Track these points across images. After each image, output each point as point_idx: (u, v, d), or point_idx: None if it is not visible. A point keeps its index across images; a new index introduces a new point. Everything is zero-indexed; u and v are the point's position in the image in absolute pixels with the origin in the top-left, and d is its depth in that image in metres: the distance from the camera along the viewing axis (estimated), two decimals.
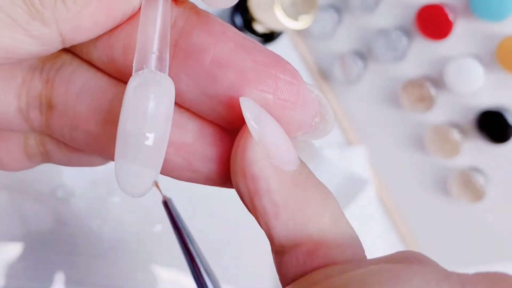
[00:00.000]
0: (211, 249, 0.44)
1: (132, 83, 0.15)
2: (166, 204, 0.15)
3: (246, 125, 0.16)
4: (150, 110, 0.15)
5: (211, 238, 0.45)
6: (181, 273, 0.42)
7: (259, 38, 0.46)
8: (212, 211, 0.45)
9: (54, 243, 0.38)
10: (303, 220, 0.16)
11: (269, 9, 0.42)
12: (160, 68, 0.15)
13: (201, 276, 0.15)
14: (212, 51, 0.16)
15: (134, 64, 0.15)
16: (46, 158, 0.20)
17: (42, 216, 0.38)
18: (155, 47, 0.15)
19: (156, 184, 0.16)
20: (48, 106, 0.18)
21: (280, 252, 0.16)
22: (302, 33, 0.52)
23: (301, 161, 0.17)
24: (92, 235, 0.39)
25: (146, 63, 0.15)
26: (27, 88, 0.18)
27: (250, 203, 0.16)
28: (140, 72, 0.15)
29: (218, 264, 0.44)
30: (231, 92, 0.16)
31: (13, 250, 0.37)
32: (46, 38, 0.15)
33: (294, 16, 0.42)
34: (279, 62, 0.16)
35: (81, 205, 0.39)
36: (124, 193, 0.16)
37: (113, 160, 0.17)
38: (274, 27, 0.44)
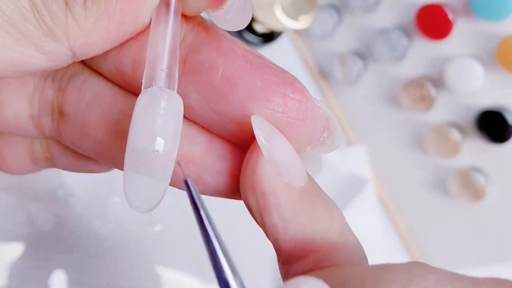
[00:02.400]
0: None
1: (141, 100, 0.15)
2: (187, 184, 0.16)
3: (257, 142, 0.16)
4: (159, 127, 0.15)
5: None
6: (181, 273, 0.42)
7: (259, 38, 0.46)
8: (213, 212, 0.45)
9: (54, 243, 0.38)
10: (311, 233, 0.16)
11: (269, 9, 0.42)
12: (169, 85, 0.16)
13: (217, 257, 0.15)
14: (221, 69, 0.16)
15: (143, 81, 0.16)
16: (51, 163, 0.20)
17: (42, 216, 0.38)
18: (164, 64, 0.16)
19: (178, 163, 0.16)
20: (59, 113, 0.18)
21: (287, 262, 0.17)
22: (302, 33, 0.52)
23: (309, 176, 0.17)
24: (92, 235, 0.39)
25: (155, 80, 0.16)
26: (39, 95, 0.18)
27: (260, 218, 0.16)
28: (149, 89, 0.15)
29: None
30: (240, 110, 0.16)
31: (13, 250, 0.37)
32: (57, 54, 0.15)
33: (294, 16, 0.42)
34: (288, 79, 0.16)
35: (81, 205, 0.39)
36: (132, 209, 0.16)
37: (120, 169, 0.17)
38: (274, 27, 0.44)
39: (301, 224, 0.16)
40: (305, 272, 0.16)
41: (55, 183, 0.39)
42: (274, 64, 0.17)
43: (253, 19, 0.45)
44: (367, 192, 0.51)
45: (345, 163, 0.52)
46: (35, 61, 0.15)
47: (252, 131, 0.16)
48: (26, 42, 0.14)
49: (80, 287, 0.38)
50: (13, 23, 0.14)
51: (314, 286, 0.13)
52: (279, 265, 0.17)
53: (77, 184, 0.39)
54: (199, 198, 0.16)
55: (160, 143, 0.15)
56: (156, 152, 0.15)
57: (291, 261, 0.16)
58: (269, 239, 0.17)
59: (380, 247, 0.52)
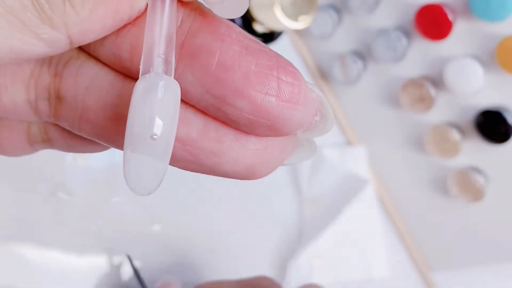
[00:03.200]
0: (211, 248, 0.44)
1: (139, 86, 0.16)
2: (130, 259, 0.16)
3: None
4: (157, 113, 0.16)
5: (211, 238, 0.45)
6: (181, 273, 0.42)
7: (259, 38, 0.46)
8: (213, 212, 0.45)
9: (54, 243, 0.38)
10: None
11: (269, 9, 0.42)
12: (166, 70, 0.16)
13: None
14: (218, 54, 0.16)
15: (141, 67, 0.16)
16: (49, 145, 0.21)
17: (42, 216, 0.38)
18: (161, 50, 0.16)
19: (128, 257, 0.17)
20: (56, 98, 0.18)
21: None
22: (302, 33, 0.52)
23: None
24: (92, 235, 0.39)
25: (152, 66, 0.16)
26: (36, 80, 0.18)
27: None
28: (146, 75, 0.16)
29: (218, 262, 0.45)
30: (236, 94, 0.16)
31: (13, 250, 0.37)
32: (55, 41, 0.15)
33: (294, 16, 0.42)
34: (282, 63, 0.17)
35: (81, 205, 0.39)
36: (132, 191, 0.16)
37: (120, 149, 0.17)
38: (274, 27, 0.44)
39: None
40: None
41: (55, 183, 0.39)
42: (269, 49, 0.17)
43: (253, 19, 0.45)
44: (367, 192, 0.51)
45: (345, 163, 0.52)
46: (34, 48, 0.15)
47: (249, 114, 0.17)
48: (25, 30, 0.15)
49: (80, 287, 0.38)
50: (13, 12, 0.14)
51: None
52: None
53: (77, 184, 0.39)
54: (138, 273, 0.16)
55: (158, 128, 0.16)
56: (154, 137, 0.16)
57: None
58: None
59: (379, 247, 0.52)
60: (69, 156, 0.40)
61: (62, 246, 0.38)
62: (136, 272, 0.15)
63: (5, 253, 0.36)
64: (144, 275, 0.40)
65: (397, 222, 0.53)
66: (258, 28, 0.46)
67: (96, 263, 0.39)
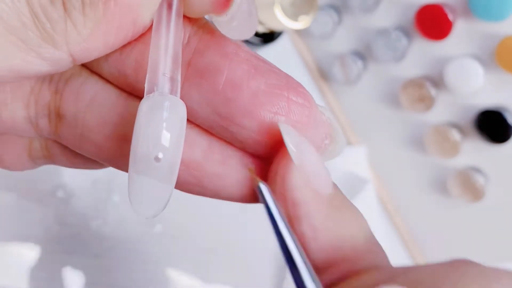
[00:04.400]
0: (211, 249, 0.44)
1: (143, 106, 0.15)
2: (260, 191, 0.16)
3: (285, 150, 0.16)
4: (162, 134, 0.15)
5: (211, 238, 0.45)
6: (181, 273, 0.42)
7: (259, 38, 0.46)
8: (213, 211, 0.45)
9: (54, 243, 0.38)
10: (339, 241, 0.16)
11: (269, 9, 0.42)
12: (171, 90, 0.15)
13: (298, 270, 0.14)
14: (225, 72, 0.16)
15: (145, 86, 0.16)
16: (50, 160, 0.20)
17: (42, 216, 0.38)
18: (166, 68, 0.16)
19: (250, 170, 0.16)
20: (57, 116, 0.18)
21: (317, 272, 0.16)
22: (302, 33, 0.52)
23: (334, 184, 0.17)
24: (92, 235, 0.39)
25: (157, 85, 0.15)
26: (36, 97, 0.18)
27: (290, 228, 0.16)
28: (151, 95, 0.15)
29: (218, 264, 0.44)
30: (244, 114, 0.16)
31: (13, 250, 0.37)
32: (57, 60, 0.15)
33: (294, 16, 0.42)
34: (292, 84, 0.16)
35: (81, 205, 0.39)
36: (137, 215, 0.16)
37: (121, 169, 0.17)
38: (274, 27, 0.44)
39: (330, 232, 0.16)
40: (335, 280, 0.16)
41: (55, 183, 0.39)
42: (278, 69, 0.17)
43: None
44: (367, 192, 0.51)
45: (345, 163, 0.52)
46: (35, 67, 0.15)
47: (257, 135, 0.16)
48: (27, 49, 0.14)
49: (80, 287, 0.38)
50: (14, 31, 0.14)
51: None
52: None
53: (77, 184, 0.39)
54: (276, 206, 0.15)
55: (162, 150, 0.15)
56: (159, 159, 0.15)
57: (320, 271, 0.16)
58: None
59: None
60: None
61: (62, 246, 0.38)
62: None
63: (5, 253, 0.36)
64: (144, 275, 0.40)
65: (397, 222, 0.53)
66: (258, 28, 0.46)
67: (96, 263, 0.39)
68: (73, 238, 0.39)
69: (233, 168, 0.17)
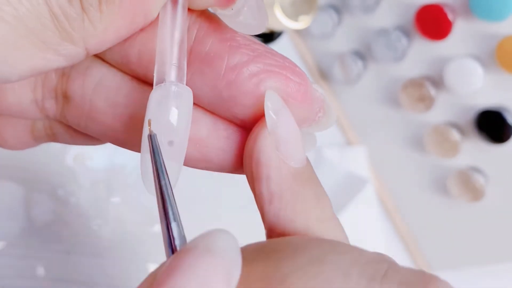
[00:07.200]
0: None
1: (154, 95, 0.16)
2: (151, 139, 0.17)
3: (265, 116, 0.17)
4: (173, 121, 0.16)
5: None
6: None
7: (259, 38, 0.46)
8: (212, 212, 0.45)
9: (54, 242, 0.38)
10: (292, 213, 0.17)
11: (269, 9, 0.42)
12: (179, 78, 0.17)
13: (165, 204, 0.15)
14: (226, 57, 0.17)
15: (155, 76, 0.17)
16: (53, 139, 0.21)
17: (42, 215, 0.38)
18: (174, 58, 0.17)
19: (149, 122, 0.17)
20: (64, 98, 0.19)
21: (269, 236, 0.18)
22: (302, 33, 0.52)
23: (308, 162, 0.18)
24: (92, 235, 0.39)
25: (166, 75, 0.17)
26: (43, 81, 0.19)
27: (251, 186, 0.18)
28: (162, 84, 0.16)
29: None
30: (245, 94, 0.17)
31: (13, 249, 0.37)
32: (73, 55, 0.16)
33: (294, 16, 0.42)
34: (289, 64, 0.18)
35: (81, 205, 0.39)
36: (149, 192, 0.17)
37: (127, 148, 0.18)
38: (274, 27, 0.44)
39: (285, 202, 0.17)
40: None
41: (55, 183, 0.39)
42: (275, 51, 0.18)
43: None
44: (367, 192, 0.51)
45: (344, 163, 0.52)
46: (54, 63, 0.16)
47: (257, 112, 0.17)
48: (47, 48, 0.15)
49: (80, 287, 0.38)
50: (35, 32, 0.15)
51: None
52: (266, 234, 0.18)
53: (77, 184, 0.39)
54: (159, 153, 0.16)
55: (174, 136, 0.16)
56: (171, 143, 0.16)
57: (272, 235, 0.17)
58: (258, 209, 0.18)
59: (379, 247, 0.52)
60: (70, 157, 0.40)
61: (62, 246, 0.38)
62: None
63: (5, 253, 0.36)
64: (144, 275, 0.40)
65: (397, 222, 0.53)
66: None
67: (96, 263, 0.39)
68: (73, 238, 0.39)
69: (237, 143, 0.18)
